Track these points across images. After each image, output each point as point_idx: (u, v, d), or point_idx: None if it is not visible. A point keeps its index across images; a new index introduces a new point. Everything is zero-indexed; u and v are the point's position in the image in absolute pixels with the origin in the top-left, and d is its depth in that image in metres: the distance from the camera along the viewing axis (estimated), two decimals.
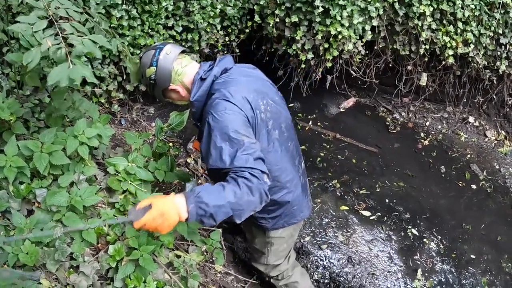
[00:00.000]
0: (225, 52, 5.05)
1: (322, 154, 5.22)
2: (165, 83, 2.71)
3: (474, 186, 5.05)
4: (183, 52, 2.77)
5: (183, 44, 4.58)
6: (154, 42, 4.27)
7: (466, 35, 4.71)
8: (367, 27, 4.60)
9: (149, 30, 4.27)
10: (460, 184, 5.06)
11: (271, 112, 2.70)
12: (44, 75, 3.27)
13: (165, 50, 2.68)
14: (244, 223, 2.73)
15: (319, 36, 4.52)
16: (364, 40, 4.73)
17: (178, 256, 3.08)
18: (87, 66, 2.42)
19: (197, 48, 4.69)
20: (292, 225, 3.08)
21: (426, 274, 4.07)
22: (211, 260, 3.39)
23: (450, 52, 4.82)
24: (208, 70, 2.68)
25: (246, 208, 2.27)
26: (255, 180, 2.27)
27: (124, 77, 4.42)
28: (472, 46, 4.80)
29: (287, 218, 3.00)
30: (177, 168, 3.48)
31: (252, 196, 2.26)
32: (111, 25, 3.96)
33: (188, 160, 4.58)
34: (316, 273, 4.04)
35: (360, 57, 4.96)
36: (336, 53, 4.66)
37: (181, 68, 2.70)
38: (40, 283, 2.59)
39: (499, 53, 4.91)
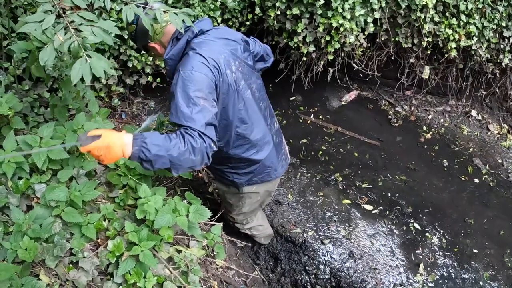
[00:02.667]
0: None
1: (324, 148, 5.20)
2: (143, 41, 2.84)
3: (476, 180, 5.03)
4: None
5: None
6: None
7: (469, 27, 4.67)
8: (369, 20, 4.57)
9: None
10: (462, 178, 5.03)
11: (243, 73, 2.86)
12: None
13: (147, 9, 2.70)
14: (217, 178, 3.27)
15: (320, 29, 4.49)
16: (366, 32, 4.70)
17: (179, 251, 3.06)
18: (103, 57, 2.39)
19: None
20: (266, 182, 3.29)
21: (429, 269, 4.06)
22: (212, 254, 3.37)
23: (453, 45, 4.79)
24: (185, 33, 2.77)
25: (184, 165, 2.41)
26: (200, 142, 2.41)
27: (124, 70, 4.39)
28: (475, 39, 4.77)
29: (260, 176, 3.21)
30: None
31: (194, 156, 2.40)
32: (111, 18, 3.93)
33: None
34: (317, 269, 4.03)
35: (362, 49, 4.93)
36: (337, 46, 4.63)
37: (160, 28, 2.78)
38: (40, 279, 2.58)
39: (502, 46, 4.87)
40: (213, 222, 3.43)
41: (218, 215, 3.61)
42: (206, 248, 3.26)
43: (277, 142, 3.26)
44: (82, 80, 2.32)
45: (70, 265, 2.67)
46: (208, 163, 2.51)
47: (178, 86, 2.53)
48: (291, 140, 5.15)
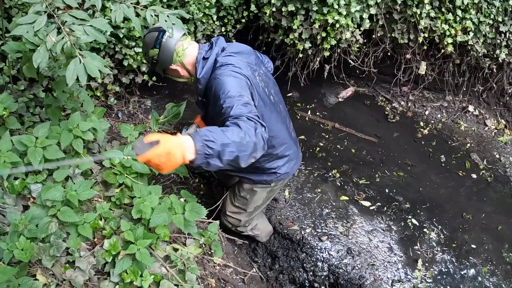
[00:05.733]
0: None
1: (321, 144, 5.19)
2: (166, 64, 2.96)
3: (474, 176, 5.03)
4: (184, 34, 2.98)
5: None
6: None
7: (465, 23, 4.66)
8: (365, 16, 4.56)
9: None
10: (460, 174, 5.03)
11: (263, 81, 3.06)
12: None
13: (168, 33, 2.82)
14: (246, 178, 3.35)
15: (316, 25, 4.48)
16: (362, 28, 4.69)
17: (176, 249, 3.06)
18: (98, 56, 2.38)
19: (193, 39, 4.64)
20: (287, 177, 3.53)
21: (427, 264, 4.05)
22: (209, 252, 3.37)
23: (449, 40, 4.78)
24: (209, 50, 2.95)
25: (248, 149, 2.31)
26: (253, 123, 2.40)
27: (120, 69, 4.39)
28: (471, 34, 4.76)
29: (289, 171, 3.43)
30: None
31: (254, 137, 2.33)
32: (106, 17, 3.91)
33: None
34: (315, 266, 4.03)
35: (358, 46, 4.92)
36: (333, 42, 4.63)
37: (182, 50, 2.93)
38: (36, 279, 2.57)
39: (498, 41, 4.86)
40: (210, 220, 3.43)
41: (215, 208, 3.61)
42: (203, 246, 3.26)
43: (295, 138, 3.51)
44: (77, 80, 2.31)
45: (67, 265, 2.67)
46: (265, 147, 2.44)
47: (220, 90, 2.65)
48: None
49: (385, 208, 4.48)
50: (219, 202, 3.77)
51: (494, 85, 5.50)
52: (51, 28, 2.38)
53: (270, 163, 3.31)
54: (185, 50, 2.94)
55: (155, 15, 2.54)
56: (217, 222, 3.38)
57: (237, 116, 2.43)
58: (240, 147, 2.25)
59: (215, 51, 2.91)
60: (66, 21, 2.39)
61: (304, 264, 4.06)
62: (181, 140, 2.14)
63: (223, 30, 4.85)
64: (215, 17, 4.66)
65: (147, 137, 2.12)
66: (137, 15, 2.60)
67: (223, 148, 2.19)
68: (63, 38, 2.33)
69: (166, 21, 2.51)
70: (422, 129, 5.60)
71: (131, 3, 2.53)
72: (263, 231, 4.08)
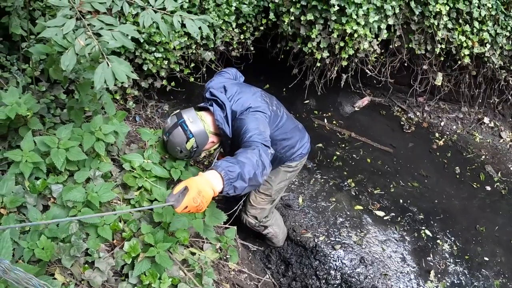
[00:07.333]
0: (240, 49, 5.04)
1: (338, 153, 5.21)
2: (204, 143, 3.07)
3: (488, 188, 5.02)
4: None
5: (197, 42, 4.58)
6: (170, 40, 4.27)
7: (482, 34, 4.67)
8: (383, 26, 4.58)
9: None
10: (474, 185, 5.02)
11: (270, 100, 3.31)
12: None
13: (187, 119, 2.98)
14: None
15: (334, 35, 4.51)
16: (379, 39, 4.72)
17: (193, 253, 3.07)
18: (124, 62, 2.42)
19: (212, 46, 4.68)
20: (304, 157, 3.71)
21: (439, 276, 4.06)
22: (225, 257, 3.38)
23: (466, 51, 4.79)
24: (221, 108, 3.06)
25: (259, 167, 2.53)
26: (254, 146, 2.66)
27: (139, 74, 4.43)
28: (488, 46, 4.76)
29: (306, 151, 3.67)
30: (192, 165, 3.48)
31: (259, 157, 2.56)
32: (127, 22, 3.96)
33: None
34: (328, 274, 4.03)
35: (375, 56, 4.94)
36: (351, 52, 4.65)
37: (205, 123, 3.05)
38: (55, 278, 2.60)
39: None
40: (226, 226, 3.45)
41: (232, 214, 3.64)
42: (220, 251, 3.27)
43: (302, 127, 3.70)
44: (105, 84, 2.35)
45: (86, 265, 2.69)
46: (271, 166, 2.67)
47: (242, 128, 2.87)
48: None
49: (399, 218, 4.48)
50: (237, 205, 3.81)
51: (510, 97, 5.49)
52: (79, 31, 2.42)
53: (293, 155, 3.56)
54: (206, 120, 3.06)
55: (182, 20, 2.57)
56: (235, 227, 3.39)
57: (250, 141, 2.74)
58: (253, 165, 2.47)
59: (227, 106, 3.03)
60: (94, 26, 2.43)
61: (317, 272, 4.07)
62: (204, 175, 2.32)
63: (241, 37, 4.88)
64: (234, 25, 4.69)
65: (174, 189, 2.26)
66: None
67: (242, 169, 2.40)
68: (91, 42, 2.37)
69: (192, 26, 2.54)
70: (437, 140, 5.60)
71: (158, 9, 2.56)
72: (282, 230, 4.16)
